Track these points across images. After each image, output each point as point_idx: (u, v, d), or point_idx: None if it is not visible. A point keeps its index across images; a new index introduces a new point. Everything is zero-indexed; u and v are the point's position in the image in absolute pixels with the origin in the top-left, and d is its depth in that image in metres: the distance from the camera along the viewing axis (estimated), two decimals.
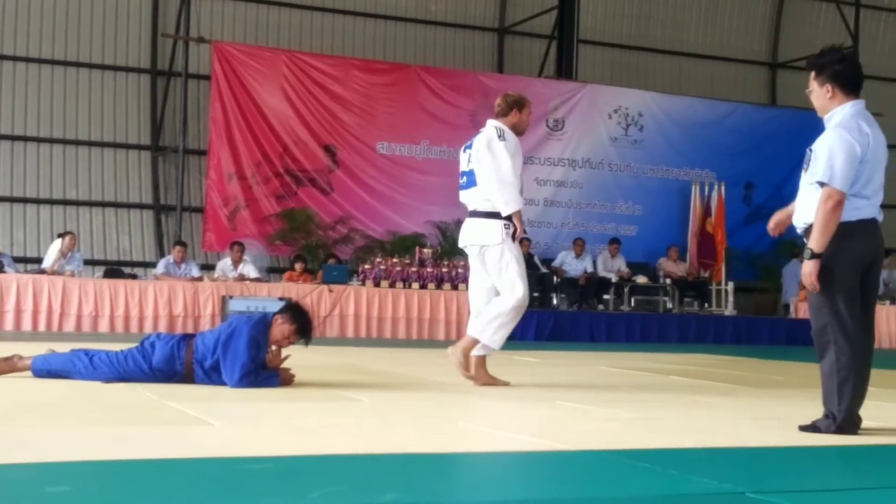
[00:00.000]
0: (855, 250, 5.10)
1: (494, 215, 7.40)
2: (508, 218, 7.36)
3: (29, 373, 6.78)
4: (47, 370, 6.74)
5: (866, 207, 5.13)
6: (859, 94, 5.26)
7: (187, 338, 6.76)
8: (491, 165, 7.36)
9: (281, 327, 6.67)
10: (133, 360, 6.63)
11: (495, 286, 7.47)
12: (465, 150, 7.75)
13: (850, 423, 5.11)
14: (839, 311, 5.09)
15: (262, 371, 6.59)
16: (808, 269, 5.10)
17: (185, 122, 18.39)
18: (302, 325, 6.72)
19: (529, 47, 22.33)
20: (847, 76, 5.23)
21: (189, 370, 6.60)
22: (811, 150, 5.25)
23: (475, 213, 7.55)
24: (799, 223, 5.33)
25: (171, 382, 6.58)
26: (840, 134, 5.11)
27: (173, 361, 6.60)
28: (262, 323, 6.68)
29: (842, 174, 5.01)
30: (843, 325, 5.08)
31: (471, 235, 7.57)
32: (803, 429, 5.23)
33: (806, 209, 5.22)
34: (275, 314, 6.77)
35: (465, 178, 7.71)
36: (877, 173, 5.18)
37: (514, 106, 7.65)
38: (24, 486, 3.35)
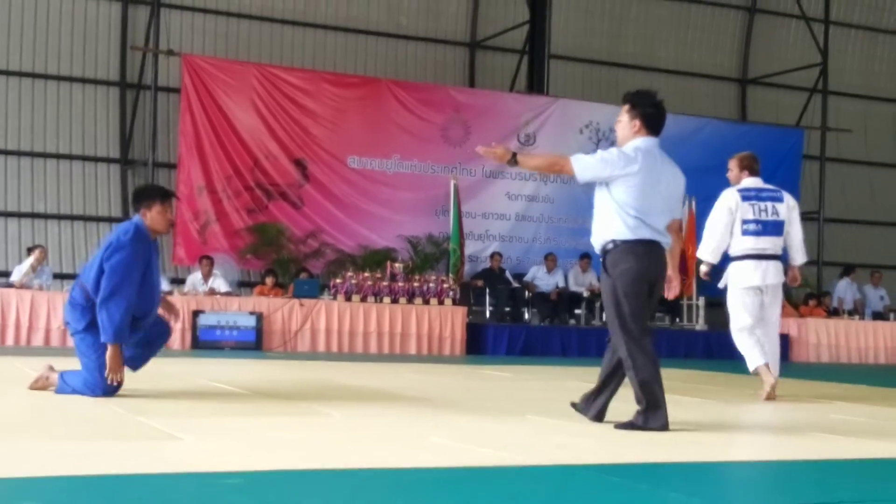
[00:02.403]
0: (641, 267, 5.74)
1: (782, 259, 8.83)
2: None
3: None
4: (71, 389, 6.73)
5: (646, 229, 5.77)
6: (657, 134, 6.00)
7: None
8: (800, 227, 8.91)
9: (153, 212, 6.67)
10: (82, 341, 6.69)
11: (767, 317, 8.74)
12: (751, 201, 8.71)
13: (662, 418, 5.67)
14: (629, 324, 5.71)
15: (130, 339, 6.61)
16: (500, 152, 5.85)
17: (154, 136, 18.32)
18: (158, 192, 6.85)
19: (501, 62, 22.40)
20: (654, 119, 5.98)
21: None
22: None
23: (776, 257, 8.73)
24: (596, 244, 5.96)
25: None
26: (611, 150, 5.89)
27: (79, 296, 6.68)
28: (138, 231, 6.65)
29: (587, 166, 5.81)
30: (633, 336, 5.71)
31: (776, 275, 8.68)
32: (619, 427, 5.77)
33: (600, 230, 5.90)
34: (138, 215, 6.76)
35: (761, 226, 8.69)
36: (656, 204, 5.82)
37: None
38: None
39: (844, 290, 21.04)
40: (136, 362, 6.91)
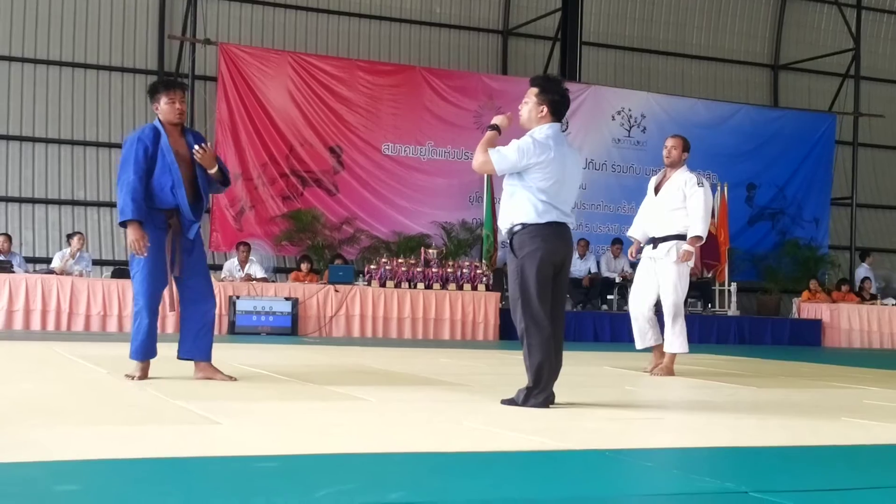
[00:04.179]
0: (547, 249, 5.98)
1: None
2: None
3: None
4: (138, 346, 6.89)
5: (553, 211, 6.02)
6: (561, 120, 6.20)
7: None
8: None
9: (161, 105, 6.89)
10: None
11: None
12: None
13: (542, 398, 5.94)
14: (532, 302, 5.95)
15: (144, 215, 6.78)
16: (501, 121, 6.25)
17: (191, 124, 18.39)
18: (161, 83, 7.03)
19: (533, 49, 22.39)
20: (560, 107, 6.19)
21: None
22: None
23: None
24: (503, 226, 6.20)
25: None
26: (526, 139, 6.09)
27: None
28: (149, 127, 6.92)
29: (504, 158, 6.04)
30: (534, 315, 5.95)
31: None
32: (504, 402, 6.03)
33: (508, 213, 6.13)
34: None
35: None
36: (565, 188, 6.10)
37: None
38: (32, 485, 3.36)
39: (864, 275, 21.02)
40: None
